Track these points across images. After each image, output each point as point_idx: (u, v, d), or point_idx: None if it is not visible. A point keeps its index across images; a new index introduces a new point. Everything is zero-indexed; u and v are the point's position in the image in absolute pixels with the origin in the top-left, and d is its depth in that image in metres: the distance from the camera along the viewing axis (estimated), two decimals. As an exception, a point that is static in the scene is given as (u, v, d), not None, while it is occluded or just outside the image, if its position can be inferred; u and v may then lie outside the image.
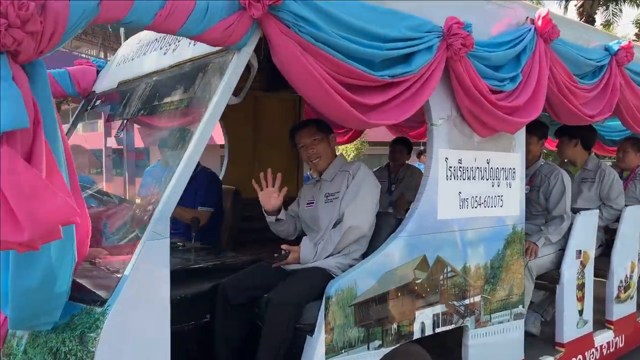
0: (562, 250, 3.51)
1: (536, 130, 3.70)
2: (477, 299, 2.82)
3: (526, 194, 3.69)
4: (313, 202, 2.75)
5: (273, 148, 4.48)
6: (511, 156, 2.98)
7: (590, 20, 17.21)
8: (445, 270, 2.65)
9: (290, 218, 2.84)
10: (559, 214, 3.54)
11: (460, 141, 2.70)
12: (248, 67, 1.99)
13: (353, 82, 2.14)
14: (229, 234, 3.61)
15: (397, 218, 2.63)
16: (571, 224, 3.52)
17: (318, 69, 2.01)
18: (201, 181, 3.45)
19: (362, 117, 2.16)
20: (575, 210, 3.62)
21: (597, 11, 18.86)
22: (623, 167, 4.68)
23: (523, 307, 3.11)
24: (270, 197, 2.64)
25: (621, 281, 3.92)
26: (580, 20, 16.42)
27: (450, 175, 2.65)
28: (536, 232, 3.52)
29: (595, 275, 3.89)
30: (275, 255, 2.52)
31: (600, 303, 3.82)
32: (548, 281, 3.49)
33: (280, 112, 4.56)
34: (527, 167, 3.77)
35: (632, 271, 4.04)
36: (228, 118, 4.23)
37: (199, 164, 3.64)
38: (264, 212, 2.72)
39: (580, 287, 3.54)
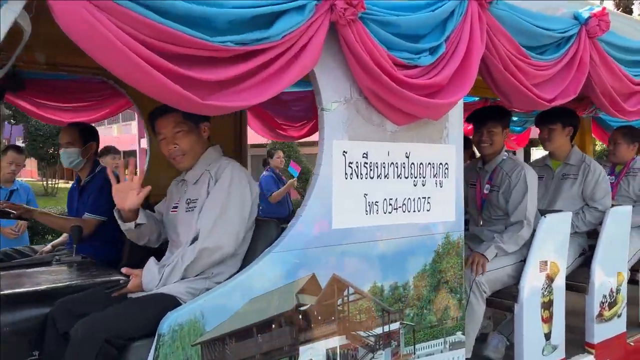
0: (524, 262, 2.92)
1: (499, 117, 3.11)
2: (395, 326, 2.27)
3: (486, 194, 3.12)
4: (177, 207, 2.25)
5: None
6: (442, 149, 2.42)
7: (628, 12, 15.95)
8: (345, 293, 2.11)
9: (155, 222, 2.33)
10: (517, 219, 2.95)
11: (365, 130, 2.15)
12: (18, 30, 1.49)
13: (181, 52, 1.62)
14: (132, 245, 3.12)
15: (281, 227, 2.11)
16: (535, 230, 2.93)
17: (119, 34, 1.50)
18: (94, 185, 2.99)
19: (197, 98, 1.64)
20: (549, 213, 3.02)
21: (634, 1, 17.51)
22: (615, 160, 4.04)
23: (463, 333, 2.54)
24: (127, 194, 2.11)
25: (604, 296, 3.30)
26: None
27: (352, 174, 2.11)
28: (489, 241, 2.94)
29: (573, 290, 3.30)
30: (119, 280, 2.02)
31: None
32: (506, 299, 2.91)
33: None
34: (487, 162, 3.20)
35: (619, 284, 3.41)
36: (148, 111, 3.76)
37: (97, 165, 3.26)
38: (116, 214, 2.21)
39: (547, 305, 2.94)
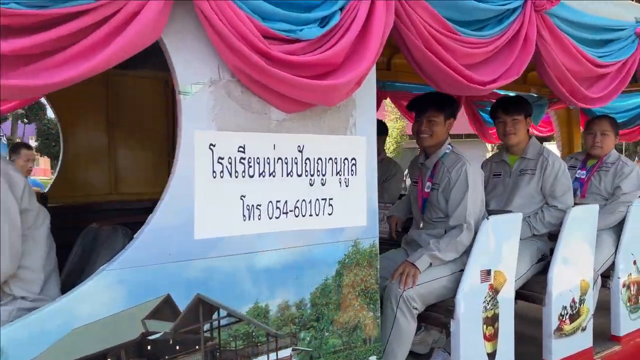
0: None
1: (441, 105, 2.73)
2: (286, 353, 1.90)
3: (427, 193, 2.75)
4: None
5: (136, 142, 3.64)
6: (348, 141, 2.04)
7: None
8: (214, 316, 1.74)
9: None
10: (456, 222, 2.57)
11: (242, 119, 1.78)
12: None
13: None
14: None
15: (130, 235, 1.74)
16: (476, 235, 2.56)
17: None
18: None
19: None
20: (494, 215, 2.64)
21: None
22: (600, 154, 3.61)
23: (380, 357, 2.16)
24: None
25: (564, 308, 2.91)
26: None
27: (222, 172, 1.74)
28: (423, 248, 2.57)
29: (529, 301, 2.92)
30: None
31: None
32: (442, 314, 2.53)
33: (144, 96, 3.70)
34: (429, 156, 2.83)
35: (583, 293, 3.02)
36: (63, 106, 3.42)
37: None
38: None
39: (491, 320, 2.56)
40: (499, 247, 2.59)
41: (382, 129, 4.86)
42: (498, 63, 2.38)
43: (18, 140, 7.53)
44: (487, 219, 2.54)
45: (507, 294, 2.64)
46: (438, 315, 2.52)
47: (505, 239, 2.62)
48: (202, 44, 1.67)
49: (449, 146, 2.77)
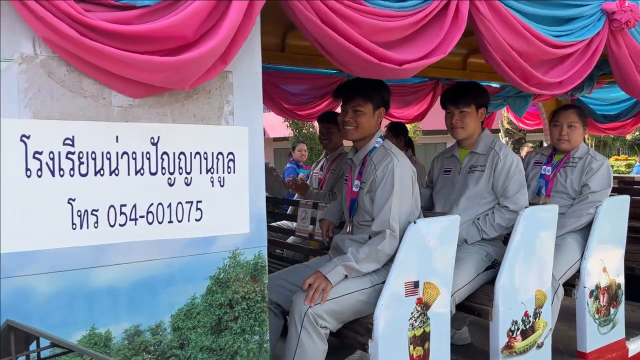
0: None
1: (369, 92, 2.39)
2: (137, 388, 1.58)
3: (355, 193, 2.42)
4: None
5: None
6: (222, 132, 1.70)
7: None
8: (32, 346, 1.42)
9: None
10: (379, 228, 2.23)
11: (70, 105, 1.45)
12: None
13: None
14: None
15: None
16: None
17: None
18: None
19: None
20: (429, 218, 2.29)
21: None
22: (568, 148, 3.23)
23: (269, 388, 1.84)
24: None
25: (514, 322, 2.56)
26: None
27: (40, 170, 1.41)
28: (339, 257, 2.23)
29: (475, 315, 2.58)
30: None
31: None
32: (359, 333, 2.19)
33: None
34: (357, 150, 2.49)
35: (539, 305, 2.67)
36: None
37: None
38: None
39: (420, 340, 2.22)
40: (429, 255, 2.25)
41: (399, 130, 4.54)
42: (423, 41, 2.03)
43: None
44: (414, 223, 2.19)
45: (442, 309, 2.30)
46: (354, 335, 2.18)
47: (438, 246, 2.27)
48: (8, 10, 1.34)
49: (380, 140, 2.43)
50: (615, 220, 3.06)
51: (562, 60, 2.69)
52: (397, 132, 4.47)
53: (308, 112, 4.50)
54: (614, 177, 5.57)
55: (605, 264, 3.01)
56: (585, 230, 3.00)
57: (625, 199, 3.11)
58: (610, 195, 3.11)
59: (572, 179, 3.09)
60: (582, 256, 2.94)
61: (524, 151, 8.21)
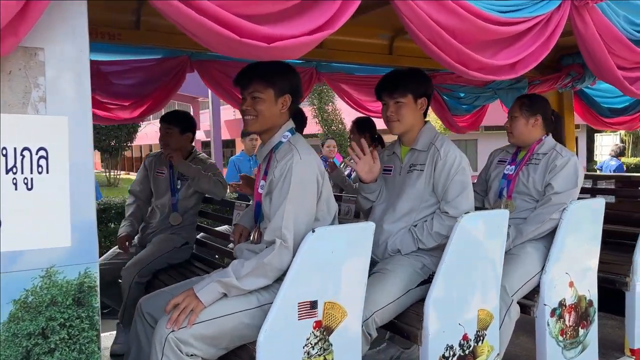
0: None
1: (270, 77, 2.04)
2: None
3: (259, 196, 2.10)
4: None
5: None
6: (29, 123, 1.39)
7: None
8: None
9: None
10: (270, 237, 1.89)
11: None
12: None
13: None
14: None
15: None
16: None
17: None
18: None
19: None
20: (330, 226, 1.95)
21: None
22: (513, 141, 2.87)
23: None
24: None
25: (449, 347, 2.18)
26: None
27: None
28: (216, 273, 1.90)
29: (404, 337, 2.23)
30: None
31: None
32: (245, 361, 1.86)
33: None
34: (264, 143, 2.16)
35: (482, 326, 2.29)
36: None
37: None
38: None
39: (319, 370, 1.88)
40: (333, 270, 1.90)
41: (365, 126, 4.11)
42: (309, 15, 1.68)
43: None
44: (313, 231, 1.84)
45: (349, 333, 1.94)
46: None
47: (345, 258, 1.92)
48: None
49: (288, 133, 2.08)
50: (585, 226, 2.65)
51: (515, 40, 2.31)
52: (362, 128, 4.10)
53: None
54: (619, 176, 5.12)
55: (572, 278, 2.60)
56: (550, 238, 2.60)
57: (599, 202, 2.69)
58: (583, 198, 2.71)
59: (534, 178, 2.69)
60: (542, 268, 2.54)
61: None
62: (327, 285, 1.88)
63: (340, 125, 15.11)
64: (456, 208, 2.28)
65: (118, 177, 23.93)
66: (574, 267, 2.61)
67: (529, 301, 2.56)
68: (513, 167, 2.81)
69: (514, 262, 2.51)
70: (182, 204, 3.35)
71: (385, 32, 3.81)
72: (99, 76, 3.48)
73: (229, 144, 27.65)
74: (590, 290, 2.69)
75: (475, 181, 3.14)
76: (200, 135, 22.82)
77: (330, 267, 1.89)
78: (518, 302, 2.51)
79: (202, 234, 3.67)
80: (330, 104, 15.40)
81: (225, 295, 1.82)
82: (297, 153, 1.95)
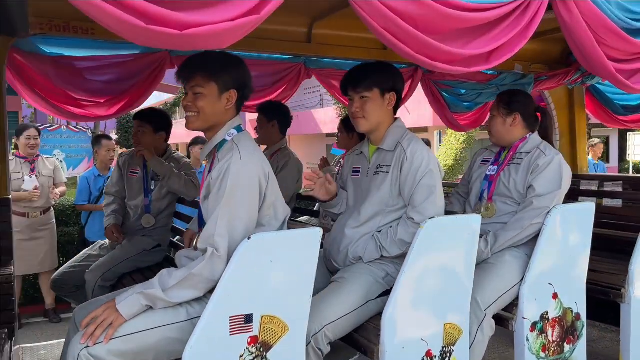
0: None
1: (213, 68, 1.88)
2: None
3: (201, 199, 1.96)
4: None
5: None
6: None
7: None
8: None
9: None
10: (203, 245, 1.73)
11: None
12: None
13: None
14: None
15: None
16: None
17: None
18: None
19: None
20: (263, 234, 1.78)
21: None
22: (493, 142, 2.67)
23: None
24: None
25: (410, 365, 2.00)
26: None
27: None
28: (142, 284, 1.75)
29: (362, 353, 2.06)
30: None
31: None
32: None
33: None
34: (208, 141, 2.01)
35: (450, 342, 2.10)
36: None
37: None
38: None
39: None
40: (272, 280, 1.73)
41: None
42: (233, 1, 1.51)
43: (100, 132, 8.46)
44: (249, 239, 1.68)
45: (292, 350, 1.78)
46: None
47: (288, 267, 1.75)
48: None
49: (234, 131, 1.92)
50: (572, 232, 2.43)
51: (489, 29, 2.11)
52: (350, 127, 3.91)
53: (253, 104, 4.00)
54: (627, 177, 4.83)
55: (556, 289, 2.39)
56: (532, 245, 2.38)
57: (588, 207, 2.47)
58: (570, 201, 2.49)
59: (515, 180, 2.47)
60: (522, 279, 2.33)
61: (594, 150, 7.13)
62: (264, 297, 1.72)
63: None
64: (422, 214, 2.09)
65: None
66: (558, 277, 2.39)
67: (507, 314, 2.35)
68: (496, 167, 2.60)
69: (490, 272, 2.31)
70: (155, 205, 3.22)
71: (302, 17, 3.53)
72: (73, 72, 3.38)
73: (256, 143, 27.85)
74: (577, 302, 2.47)
75: (459, 182, 2.95)
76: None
77: (268, 277, 1.73)
78: (496, 315, 2.31)
79: (178, 237, 3.54)
80: None
81: (151, 307, 1.67)
82: (237, 153, 1.79)
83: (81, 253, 3.28)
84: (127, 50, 3.45)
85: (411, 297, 1.99)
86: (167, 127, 3.30)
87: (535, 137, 2.56)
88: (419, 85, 4.67)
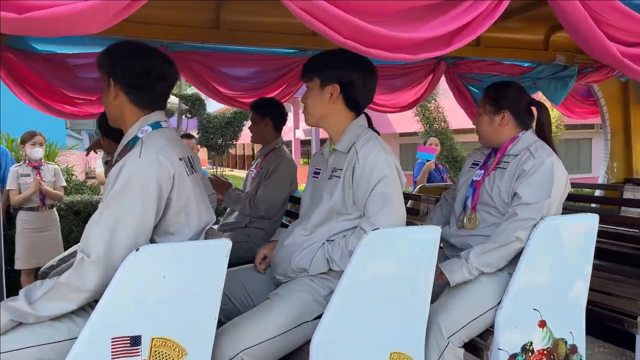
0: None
1: (101, 58, 1.73)
2: None
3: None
4: None
5: None
6: None
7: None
8: None
9: None
10: (79, 252, 1.54)
11: None
12: None
13: None
14: None
15: None
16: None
17: None
18: None
19: None
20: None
21: None
22: (482, 142, 2.31)
23: None
24: None
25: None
26: None
27: None
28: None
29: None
30: None
31: None
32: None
33: None
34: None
35: (400, 374, 1.80)
36: None
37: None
38: None
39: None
40: (167, 298, 1.52)
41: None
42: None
43: (182, 132, 9.08)
44: (136, 250, 1.48)
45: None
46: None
47: (187, 284, 1.54)
48: None
49: (148, 128, 1.72)
50: (567, 250, 2.04)
51: (449, 8, 1.79)
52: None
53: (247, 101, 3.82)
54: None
55: (543, 316, 2.01)
56: (516, 263, 2.02)
57: (590, 219, 2.07)
58: (568, 212, 2.10)
59: (499, 187, 2.11)
60: (499, 303, 1.98)
61: None
62: (155, 317, 1.51)
63: (442, 124, 14.51)
64: (375, 226, 1.80)
65: (224, 173, 25.60)
66: (546, 302, 2.02)
67: (482, 342, 2.01)
68: (482, 172, 2.25)
69: (459, 293, 1.98)
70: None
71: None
72: (65, 70, 3.35)
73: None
74: (573, 332, 2.08)
75: (451, 185, 2.61)
76: (299, 134, 23.26)
77: (161, 294, 1.52)
78: (468, 343, 1.98)
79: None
80: (433, 101, 14.68)
81: (21, 323, 1.51)
82: (137, 151, 1.60)
83: (71, 248, 3.25)
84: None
85: (347, 321, 1.71)
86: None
87: (527, 136, 2.18)
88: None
